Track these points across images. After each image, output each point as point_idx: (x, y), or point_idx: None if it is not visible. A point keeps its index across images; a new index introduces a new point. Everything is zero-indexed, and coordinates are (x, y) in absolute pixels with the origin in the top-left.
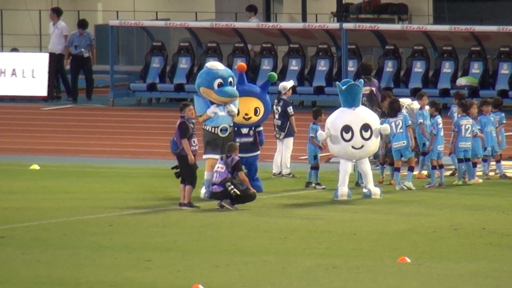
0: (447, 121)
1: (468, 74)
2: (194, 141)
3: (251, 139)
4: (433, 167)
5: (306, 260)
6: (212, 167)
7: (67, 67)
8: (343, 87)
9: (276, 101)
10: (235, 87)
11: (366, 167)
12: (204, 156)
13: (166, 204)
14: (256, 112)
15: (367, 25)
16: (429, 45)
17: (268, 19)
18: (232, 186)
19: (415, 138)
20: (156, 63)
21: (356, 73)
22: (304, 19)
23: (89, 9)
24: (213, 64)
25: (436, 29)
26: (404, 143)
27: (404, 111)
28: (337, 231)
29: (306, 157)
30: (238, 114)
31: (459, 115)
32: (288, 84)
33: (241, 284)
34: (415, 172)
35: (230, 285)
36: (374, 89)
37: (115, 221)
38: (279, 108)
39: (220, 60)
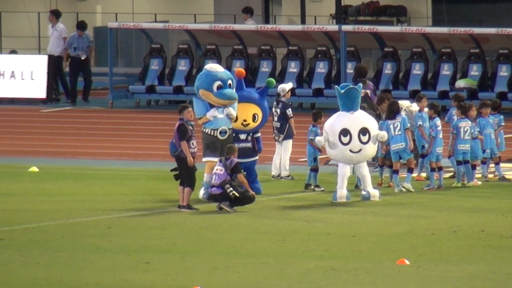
0: (445, 123)
1: (467, 76)
2: (193, 143)
3: (249, 144)
4: (432, 169)
5: (305, 262)
6: (211, 169)
7: (66, 69)
8: (342, 91)
9: (275, 103)
10: (234, 90)
11: (364, 170)
12: (204, 159)
13: (165, 206)
14: (254, 118)
15: (366, 27)
16: (428, 47)
17: (267, 21)
18: (231, 188)
19: (413, 140)
20: (155, 65)
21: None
22: (303, 21)
23: (88, 11)
24: (212, 67)
25: (435, 31)
26: (402, 145)
27: (403, 113)
28: (336, 233)
29: (305, 159)
30: (236, 120)
31: (458, 117)
32: (287, 86)
33: (240, 286)
34: (414, 174)
35: (229, 287)
36: (369, 92)
37: (114, 223)
38: (278, 110)
39: (219, 62)
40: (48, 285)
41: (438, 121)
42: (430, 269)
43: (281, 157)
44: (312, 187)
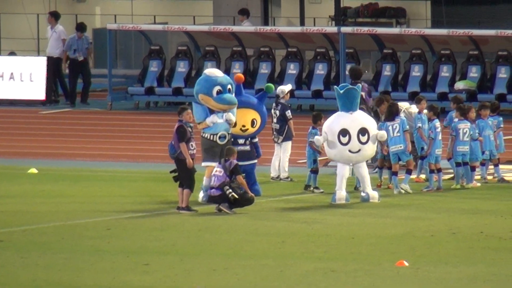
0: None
1: (466, 78)
2: (192, 145)
3: (247, 147)
4: (431, 171)
5: (305, 264)
6: (211, 173)
7: (66, 71)
8: (341, 91)
9: (274, 105)
10: (233, 95)
11: (363, 171)
12: (203, 164)
13: (164, 208)
14: (253, 123)
15: (365, 29)
16: (427, 49)
17: (266, 23)
18: (230, 190)
19: (412, 142)
20: (154, 66)
21: None
22: (302, 23)
23: (87, 12)
24: (212, 71)
25: (434, 33)
26: (401, 146)
27: (402, 115)
28: (335, 235)
29: (304, 161)
30: (235, 125)
31: (457, 119)
32: (286, 88)
33: (239, 287)
34: (413, 176)
35: None
36: (363, 93)
37: (113, 225)
38: (277, 112)
39: (218, 64)
40: (47, 286)
41: (437, 123)
42: (429, 270)
43: (280, 158)
44: (312, 188)
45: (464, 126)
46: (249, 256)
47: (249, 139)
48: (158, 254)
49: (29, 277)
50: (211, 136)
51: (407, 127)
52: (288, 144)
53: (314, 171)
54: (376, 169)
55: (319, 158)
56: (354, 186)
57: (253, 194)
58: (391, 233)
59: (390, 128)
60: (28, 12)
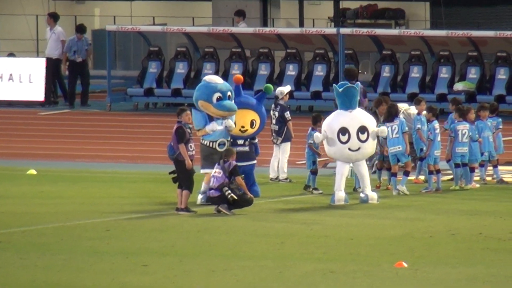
0: (442, 126)
1: (465, 79)
2: (191, 146)
3: (246, 148)
4: (430, 172)
5: (304, 265)
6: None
7: (66, 72)
8: (340, 90)
9: (273, 106)
10: (233, 101)
11: (363, 169)
12: (202, 171)
13: (163, 209)
14: (252, 124)
15: (364, 30)
16: (426, 50)
17: (265, 24)
18: (229, 191)
19: (411, 143)
20: (153, 68)
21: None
22: (301, 24)
23: (86, 14)
24: (212, 78)
25: (433, 34)
26: (399, 148)
27: (401, 116)
28: (334, 236)
29: (303, 162)
30: (234, 126)
31: (456, 120)
32: (285, 89)
33: None
34: (412, 177)
35: None
36: None
37: (112, 226)
38: (276, 113)
39: (217, 65)
40: (46, 287)
41: (436, 124)
42: (428, 271)
43: (279, 160)
44: (311, 189)
45: (463, 127)
46: (248, 257)
47: (248, 139)
48: (157, 255)
49: (28, 278)
50: (211, 143)
51: (406, 128)
52: (287, 145)
53: (314, 172)
54: (375, 169)
55: (318, 160)
56: (353, 187)
57: (252, 195)
58: (390, 234)
59: (389, 129)
60: (27, 13)
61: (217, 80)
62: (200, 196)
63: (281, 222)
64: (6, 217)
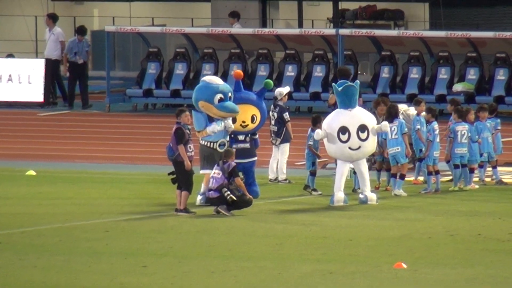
0: (443, 127)
1: (464, 80)
2: (190, 147)
3: (247, 145)
4: (429, 173)
5: (303, 266)
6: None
7: (67, 74)
8: (339, 89)
9: (272, 107)
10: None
11: (364, 168)
12: (202, 172)
13: (162, 210)
14: (253, 119)
15: (363, 31)
16: (425, 51)
17: (264, 25)
18: (229, 192)
19: (410, 144)
20: (152, 69)
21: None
22: (300, 25)
23: (85, 15)
24: (212, 79)
25: (432, 35)
26: (398, 149)
27: (400, 117)
28: (333, 237)
29: (302, 162)
30: (235, 121)
31: (455, 121)
32: (284, 90)
33: None
34: (411, 178)
35: None
36: None
37: (111, 227)
38: (275, 114)
39: (216, 66)
40: None
41: (435, 125)
42: (427, 272)
43: (278, 160)
44: (310, 189)
45: (462, 128)
46: (247, 258)
47: (249, 135)
48: (156, 256)
49: (27, 278)
50: (211, 144)
51: (406, 129)
52: (286, 146)
53: (313, 173)
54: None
55: (317, 161)
56: (352, 188)
57: (251, 196)
58: (389, 235)
59: (388, 129)
60: (26, 14)
61: (217, 81)
62: (199, 197)
63: (280, 223)
64: (5, 218)
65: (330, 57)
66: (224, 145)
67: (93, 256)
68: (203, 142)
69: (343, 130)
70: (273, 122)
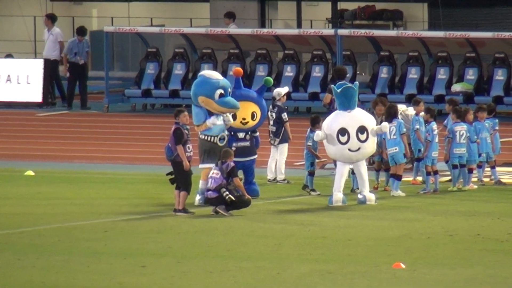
0: (440, 127)
1: (463, 80)
2: (188, 147)
3: (247, 143)
4: (428, 173)
5: (301, 266)
6: (207, 176)
7: (67, 74)
8: (338, 90)
9: (270, 107)
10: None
11: (363, 169)
12: (201, 166)
13: (161, 210)
14: (253, 116)
15: (362, 31)
16: (424, 51)
17: (263, 25)
18: (227, 192)
19: (409, 144)
20: (151, 69)
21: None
22: (299, 25)
23: (84, 15)
24: (210, 74)
25: (431, 35)
26: (396, 149)
27: (399, 117)
28: (332, 237)
29: (301, 163)
30: (235, 118)
31: (454, 121)
32: (283, 90)
33: None
34: (410, 178)
35: None
36: None
37: (110, 227)
38: (274, 114)
39: (215, 66)
40: None
41: (434, 125)
42: (426, 273)
43: (277, 161)
44: (309, 189)
45: (461, 129)
46: (246, 258)
47: (249, 133)
48: (155, 256)
49: (26, 278)
50: (211, 138)
51: (404, 129)
52: (285, 146)
53: (311, 174)
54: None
55: (316, 161)
56: (351, 188)
57: (249, 197)
58: (388, 235)
59: (388, 130)
60: (25, 15)
61: (217, 75)
62: (198, 197)
63: (279, 223)
64: (4, 218)
65: (328, 58)
66: (224, 139)
67: (92, 256)
68: (202, 136)
69: (343, 131)
70: (271, 122)
